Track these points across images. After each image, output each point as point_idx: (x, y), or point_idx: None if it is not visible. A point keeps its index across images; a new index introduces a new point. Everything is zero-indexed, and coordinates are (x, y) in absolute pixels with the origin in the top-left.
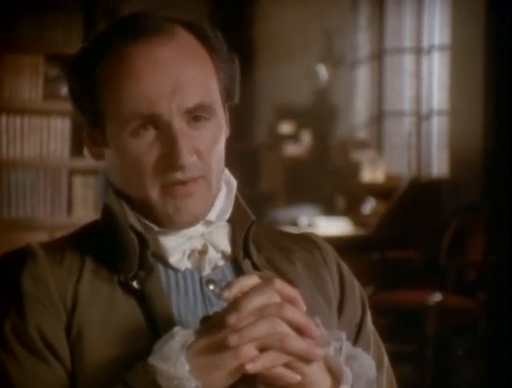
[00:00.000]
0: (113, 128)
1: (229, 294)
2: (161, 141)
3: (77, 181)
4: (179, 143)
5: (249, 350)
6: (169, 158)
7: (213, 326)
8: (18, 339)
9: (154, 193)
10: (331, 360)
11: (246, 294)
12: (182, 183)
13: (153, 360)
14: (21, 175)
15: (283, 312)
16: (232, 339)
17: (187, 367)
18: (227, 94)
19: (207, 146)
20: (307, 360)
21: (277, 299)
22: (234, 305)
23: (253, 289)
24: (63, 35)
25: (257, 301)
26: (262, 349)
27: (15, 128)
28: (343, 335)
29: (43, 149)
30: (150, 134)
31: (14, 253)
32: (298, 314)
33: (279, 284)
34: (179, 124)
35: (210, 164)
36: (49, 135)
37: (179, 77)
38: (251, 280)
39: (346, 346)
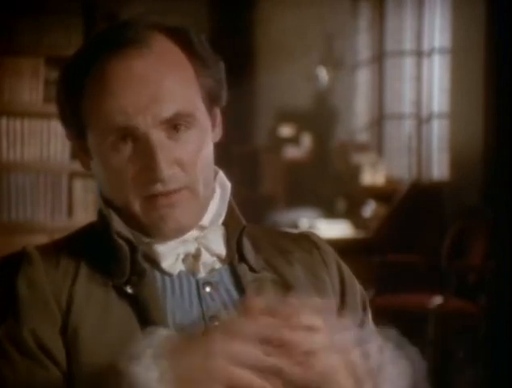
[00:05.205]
0: (94, 141)
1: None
2: (140, 154)
3: (78, 184)
4: (157, 156)
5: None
6: (148, 171)
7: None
8: (12, 343)
9: (136, 205)
10: (356, 367)
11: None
12: (165, 194)
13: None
14: (21, 178)
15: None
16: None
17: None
18: (212, 99)
19: (191, 156)
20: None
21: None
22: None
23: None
24: (63, 38)
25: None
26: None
27: (15, 131)
28: (376, 339)
29: (43, 152)
30: (129, 147)
31: (10, 257)
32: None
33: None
34: (157, 136)
35: (195, 174)
36: (49, 138)
37: (155, 88)
38: (257, 303)
39: (378, 353)
